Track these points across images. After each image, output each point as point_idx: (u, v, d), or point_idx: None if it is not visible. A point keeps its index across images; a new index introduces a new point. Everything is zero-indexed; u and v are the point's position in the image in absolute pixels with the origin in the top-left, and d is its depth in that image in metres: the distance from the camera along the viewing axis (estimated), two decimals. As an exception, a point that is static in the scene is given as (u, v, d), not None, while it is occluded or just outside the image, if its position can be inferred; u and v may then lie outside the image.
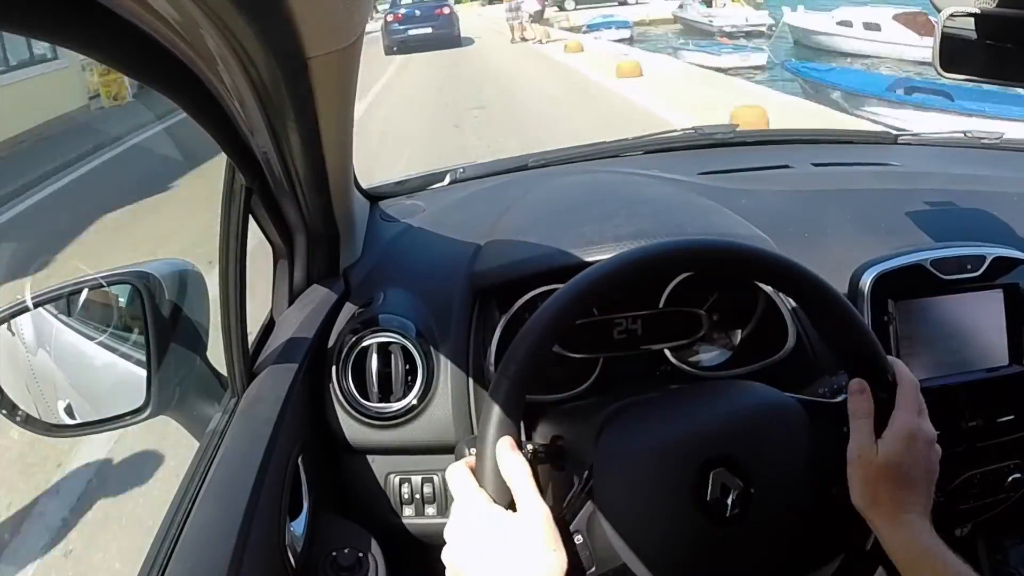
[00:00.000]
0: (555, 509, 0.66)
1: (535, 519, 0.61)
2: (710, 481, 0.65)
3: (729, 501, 0.65)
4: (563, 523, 0.65)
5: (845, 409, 0.71)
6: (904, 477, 0.66)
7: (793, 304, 1.00)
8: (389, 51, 16.53)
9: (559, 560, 0.60)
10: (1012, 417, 1.03)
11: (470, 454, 0.67)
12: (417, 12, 16.55)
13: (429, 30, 16.43)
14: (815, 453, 0.69)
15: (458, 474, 0.65)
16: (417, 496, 0.98)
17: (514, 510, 0.62)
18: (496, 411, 0.64)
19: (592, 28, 20.90)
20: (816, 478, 0.69)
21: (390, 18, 16.97)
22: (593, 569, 0.66)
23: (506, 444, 0.63)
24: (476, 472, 0.65)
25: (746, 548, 0.67)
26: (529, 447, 0.71)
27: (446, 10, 16.91)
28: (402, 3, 16.84)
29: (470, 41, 17.81)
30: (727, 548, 0.66)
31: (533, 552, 0.60)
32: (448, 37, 16.57)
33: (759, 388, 0.75)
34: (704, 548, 0.66)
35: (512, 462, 0.63)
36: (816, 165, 1.40)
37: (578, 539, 0.66)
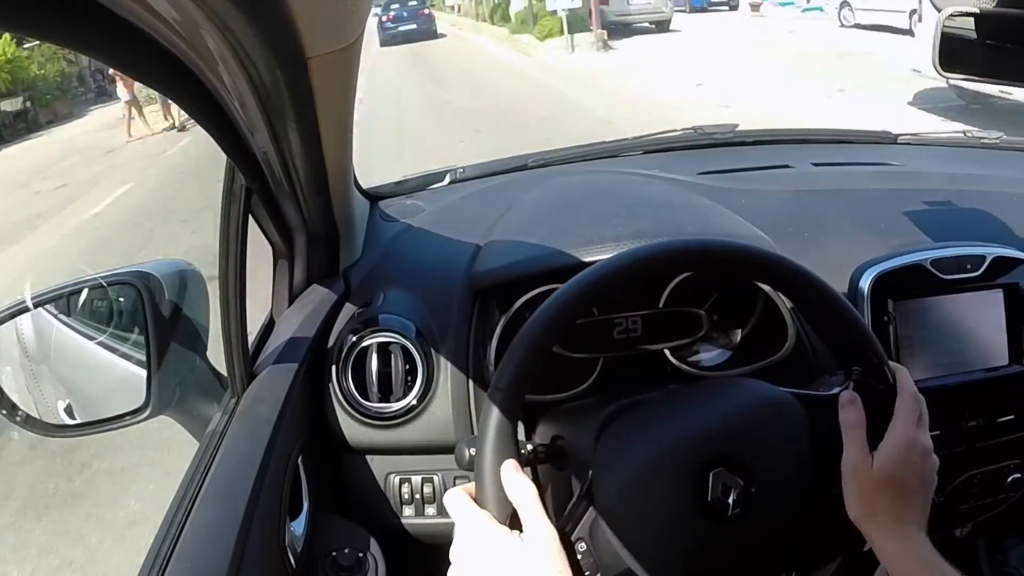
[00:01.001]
0: (557, 519, 0.65)
1: (544, 543, 0.60)
2: (710, 481, 0.65)
3: (730, 500, 0.65)
4: (566, 535, 0.65)
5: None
6: (900, 489, 0.65)
7: (792, 304, 1.00)
8: (385, 43, 20.76)
9: None
10: (1012, 417, 1.03)
11: (470, 454, 0.66)
12: (405, 13, 21.86)
13: (415, 26, 21.70)
14: (814, 449, 0.69)
15: (457, 499, 0.64)
16: (417, 496, 0.98)
17: (517, 529, 0.61)
18: (493, 426, 0.64)
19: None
20: (816, 475, 0.69)
21: (384, 18, 21.65)
22: None
23: (510, 467, 0.62)
24: (477, 492, 0.64)
25: (748, 547, 0.66)
26: (529, 447, 0.71)
27: (426, 11, 22.60)
28: (391, 7, 21.90)
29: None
30: (730, 547, 0.66)
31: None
32: (428, 31, 22.03)
33: (756, 385, 0.74)
34: (707, 548, 0.66)
35: (518, 484, 0.62)
36: (816, 165, 1.40)
37: (581, 547, 0.65)
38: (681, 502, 0.65)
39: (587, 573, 0.64)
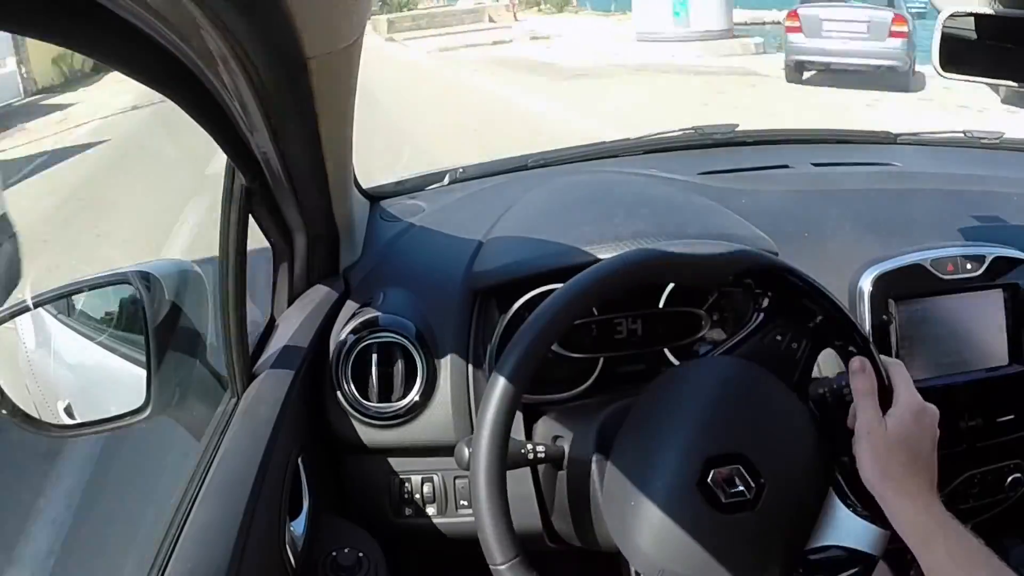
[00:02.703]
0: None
1: None
2: (710, 477, 0.67)
3: (732, 492, 0.67)
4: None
5: (841, 393, 0.74)
6: (914, 450, 0.68)
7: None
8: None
9: None
10: (1012, 417, 1.03)
11: (469, 451, 0.67)
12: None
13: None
14: (820, 444, 0.71)
15: None
16: (417, 496, 0.98)
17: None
18: (487, 429, 0.66)
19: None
20: (823, 473, 0.70)
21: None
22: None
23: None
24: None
25: (747, 538, 0.68)
26: (529, 447, 0.71)
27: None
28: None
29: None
30: (727, 536, 0.68)
31: None
32: None
33: (759, 373, 0.76)
34: (696, 527, 0.68)
35: None
36: (816, 165, 1.40)
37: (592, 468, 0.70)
38: (686, 486, 0.68)
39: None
